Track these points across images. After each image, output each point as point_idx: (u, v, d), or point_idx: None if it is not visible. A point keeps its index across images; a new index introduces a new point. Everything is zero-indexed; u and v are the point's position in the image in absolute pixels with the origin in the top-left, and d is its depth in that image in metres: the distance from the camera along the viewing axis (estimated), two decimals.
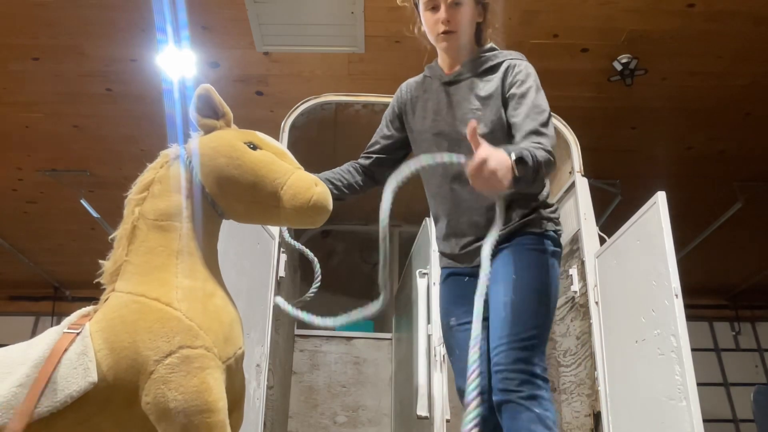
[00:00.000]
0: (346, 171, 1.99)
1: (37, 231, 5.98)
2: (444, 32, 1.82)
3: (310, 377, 4.14)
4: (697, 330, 7.04)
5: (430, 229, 2.79)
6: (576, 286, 2.94)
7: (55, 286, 7.27)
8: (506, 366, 1.63)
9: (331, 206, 1.60)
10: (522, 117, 1.72)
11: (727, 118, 4.36)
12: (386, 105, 3.21)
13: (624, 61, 3.82)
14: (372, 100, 3.22)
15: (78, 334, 1.40)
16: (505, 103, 1.78)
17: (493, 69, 1.83)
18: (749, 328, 7.42)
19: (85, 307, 1.54)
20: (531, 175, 1.53)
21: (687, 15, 3.50)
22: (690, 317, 2.12)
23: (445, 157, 1.59)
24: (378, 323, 4.59)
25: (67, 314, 1.56)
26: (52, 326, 1.52)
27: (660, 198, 2.28)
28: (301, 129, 3.15)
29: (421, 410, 2.50)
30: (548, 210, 1.84)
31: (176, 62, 3.85)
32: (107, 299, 1.49)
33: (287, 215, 1.56)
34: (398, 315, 3.98)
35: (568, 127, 3.17)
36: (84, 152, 4.78)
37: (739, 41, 3.68)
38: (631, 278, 2.46)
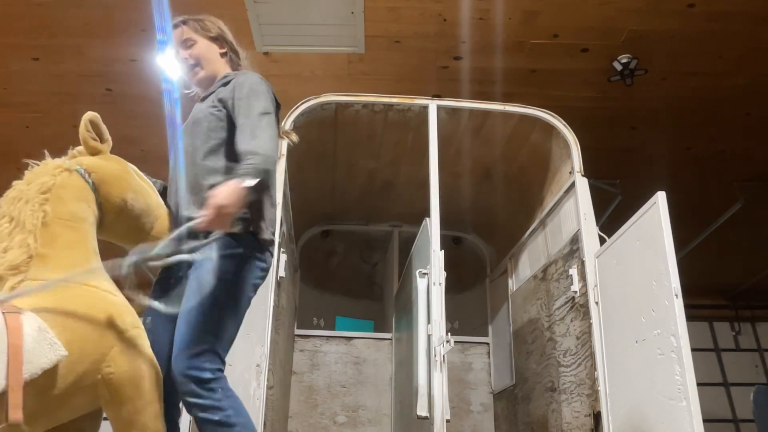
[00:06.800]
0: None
1: None
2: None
3: (310, 377, 4.14)
4: (697, 330, 7.04)
5: (431, 229, 2.79)
6: (576, 286, 2.94)
7: None
8: (180, 379, 1.73)
9: None
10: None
11: (727, 118, 4.36)
12: (386, 105, 3.25)
13: (624, 61, 3.82)
14: (372, 100, 3.23)
15: (19, 313, 1.45)
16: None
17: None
18: (749, 328, 7.42)
19: None
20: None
21: (687, 15, 3.50)
22: (690, 317, 2.12)
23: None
24: (378, 323, 4.59)
25: None
26: None
27: (660, 198, 2.28)
28: (301, 129, 3.15)
29: (421, 410, 2.50)
30: None
31: (176, 62, 3.85)
32: (21, 287, 1.55)
33: (148, 240, 1.84)
34: (398, 315, 3.98)
35: (568, 127, 3.16)
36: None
37: (739, 41, 3.68)
38: (631, 278, 2.46)
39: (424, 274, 2.75)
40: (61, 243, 1.63)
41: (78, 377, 1.51)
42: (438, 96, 3.40)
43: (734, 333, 7.37)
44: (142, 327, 1.72)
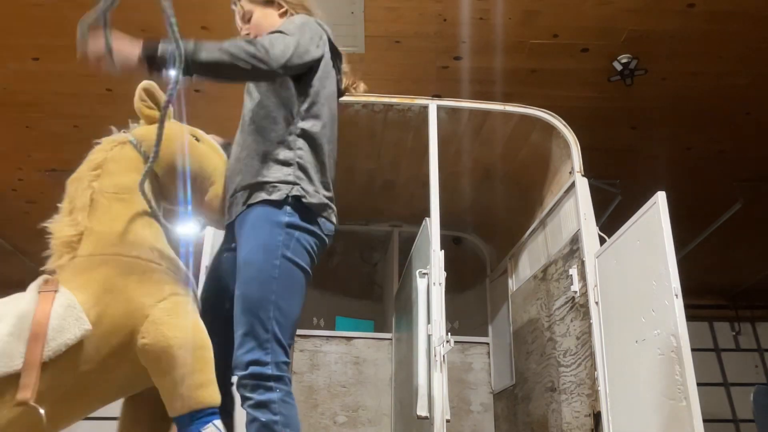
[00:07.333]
0: None
1: (37, 231, 5.98)
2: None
3: (310, 377, 4.14)
4: (697, 330, 7.04)
5: (431, 229, 2.79)
6: (576, 286, 2.93)
7: None
8: (239, 372, 1.65)
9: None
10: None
11: (727, 118, 4.36)
12: (386, 105, 3.25)
13: (624, 61, 3.82)
14: (372, 100, 3.22)
15: (55, 292, 1.48)
16: None
17: None
18: (749, 328, 7.42)
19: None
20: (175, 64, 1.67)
21: (687, 15, 3.50)
22: (690, 317, 2.12)
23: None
24: (378, 323, 4.59)
25: None
26: None
27: (660, 198, 2.28)
28: None
29: (421, 410, 2.50)
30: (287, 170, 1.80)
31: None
32: (70, 263, 1.59)
33: (202, 206, 1.84)
34: (398, 315, 3.98)
35: (568, 127, 3.16)
36: (84, 152, 4.77)
37: (739, 41, 3.68)
38: (631, 278, 2.46)
39: (424, 274, 2.75)
40: (107, 216, 1.66)
41: (113, 349, 1.51)
42: (438, 96, 3.40)
43: (734, 333, 7.38)
44: (185, 294, 1.65)
